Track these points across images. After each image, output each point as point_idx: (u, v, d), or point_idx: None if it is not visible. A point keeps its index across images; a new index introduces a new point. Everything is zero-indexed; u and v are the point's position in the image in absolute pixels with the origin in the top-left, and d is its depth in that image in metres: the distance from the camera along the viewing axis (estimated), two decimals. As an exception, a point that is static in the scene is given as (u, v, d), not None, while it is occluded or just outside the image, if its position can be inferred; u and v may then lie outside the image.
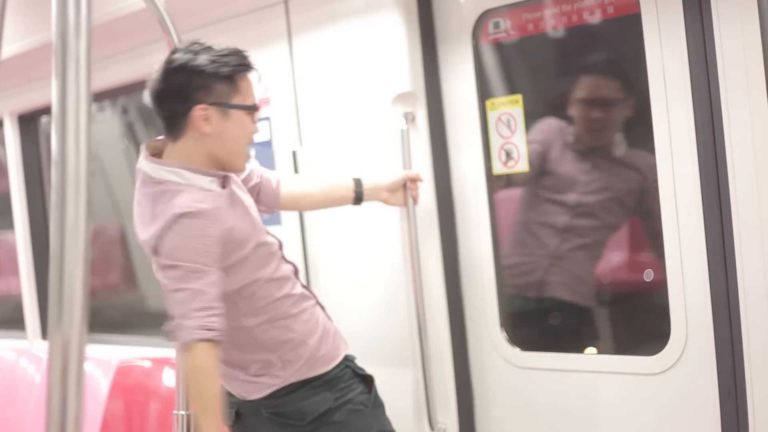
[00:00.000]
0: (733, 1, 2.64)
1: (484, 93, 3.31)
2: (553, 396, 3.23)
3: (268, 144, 3.67)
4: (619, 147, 3.39)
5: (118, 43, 4.15)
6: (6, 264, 5.84)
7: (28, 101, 5.04)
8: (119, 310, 6.10)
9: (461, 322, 3.40)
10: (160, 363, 4.01)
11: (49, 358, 1.23)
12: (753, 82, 2.63)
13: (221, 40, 3.41)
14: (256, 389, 2.77)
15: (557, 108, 3.36)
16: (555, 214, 3.40)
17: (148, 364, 4.09)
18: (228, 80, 2.61)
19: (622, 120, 3.32)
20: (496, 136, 3.30)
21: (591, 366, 3.15)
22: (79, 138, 1.21)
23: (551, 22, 3.20)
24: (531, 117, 3.27)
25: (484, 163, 3.31)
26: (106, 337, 4.91)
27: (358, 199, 3.18)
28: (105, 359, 4.18)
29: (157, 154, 2.71)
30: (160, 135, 2.72)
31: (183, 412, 2.93)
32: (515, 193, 3.47)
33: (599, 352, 3.25)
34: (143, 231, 2.64)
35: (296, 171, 3.58)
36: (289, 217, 3.60)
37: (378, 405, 2.90)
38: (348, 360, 2.89)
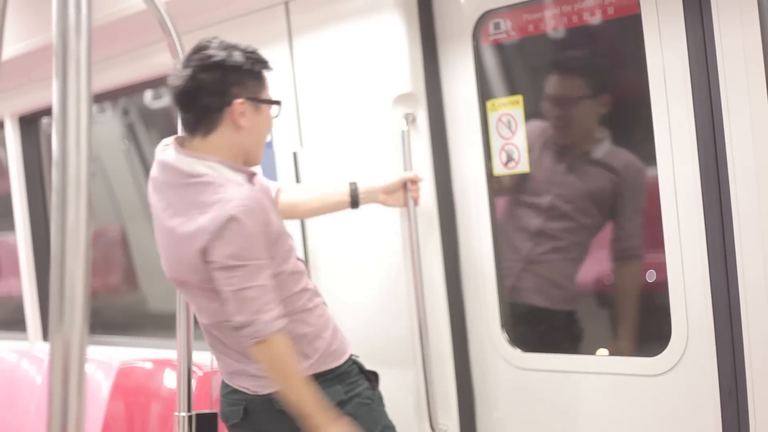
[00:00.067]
0: (733, 1, 2.64)
1: (484, 94, 3.31)
2: (554, 397, 3.23)
3: (268, 145, 3.66)
4: (597, 147, 3.38)
5: (118, 44, 4.15)
6: (7, 265, 5.85)
7: (29, 102, 5.04)
8: (120, 312, 6.10)
9: (462, 323, 3.40)
10: (161, 364, 4.01)
11: (51, 360, 1.23)
12: (753, 82, 2.63)
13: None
14: (268, 384, 2.77)
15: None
16: (536, 217, 3.42)
17: (149, 365, 4.09)
18: (258, 76, 2.73)
19: (594, 119, 3.33)
20: (496, 137, 3.30)
21: (592, 367, 3.15)
22: (79, 139, 1.21)
23: (551, 23, 3.20)
24: (531, 118, 3.27)
25: (484, 163, 3.31)
26: (107, 338, 4.91)
27: (354, 203, 3.19)
28: (106, 361, 4.19)
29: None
30: (163, 133, 2.75)
31: (184, 414, 2.94)
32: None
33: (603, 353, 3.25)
34: (174, 220, 2.67)
35: (297, 172, 3.58)
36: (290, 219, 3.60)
37: (381, 401, 2.94)
38: (354, 356, 2.92)
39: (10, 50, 4.16)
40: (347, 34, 3.38)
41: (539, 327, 3.48)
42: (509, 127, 3.27)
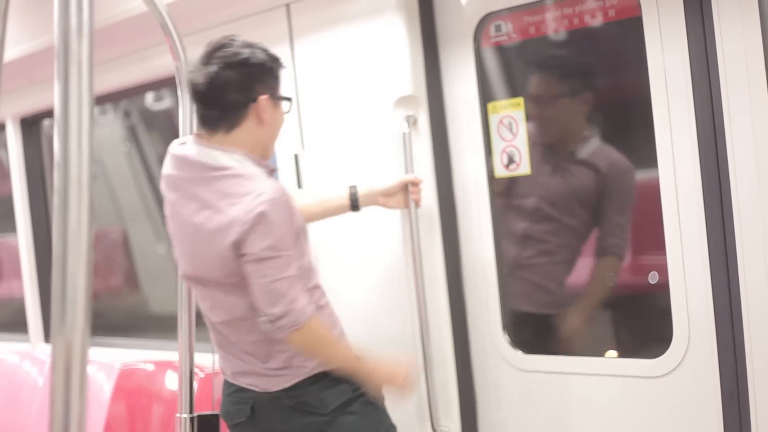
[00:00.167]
0: (733, 3, 2.64)
1: (485, 96, 3.31)
2: (555, 399, 3.23)
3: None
4: (583, 147, 3.38)
5: (120, 47, 4.15)
6: (9, 267, 5.85)
7: (31, 104, 5.05)
8: (122, 314, 6.10)
9: (464, 325, 3.40)
10: (162, 366, 4.01)
11: (52, 362, 1.23)
12: (754, 84, 2.63)
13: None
14: (278, 381, 2.79)
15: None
16: (521, 221, 3.43)
17: (150, 367, 4.09)
18: (277, 73, 2.81)
19: (580, 119, 3.33)
20: (497, 139, 3.30)
21: (594, 369, 3.15)
22: (81, 141, 1.21)
23: (553, 26, 3.20)
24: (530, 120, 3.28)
25: (485, 166, 3.31)
26: (109, 340, 4.91)
27: (354, 206, 3.20)
28: (108, 362, 4.19)
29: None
30: (164, 134, 2.77)
31: (186, 415, 2.94)
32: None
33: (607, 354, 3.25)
34: (200, 215, 2.69)
35: (298, 174, 3.58)
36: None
37: (383, 401, 2.95)
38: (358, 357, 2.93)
39: (12, 52, 4.17)
40: (348, 36, 3.39)
41: (539, 329, 3.48)
42: (510, 130, 3.27)
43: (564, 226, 3.38)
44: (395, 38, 3.27)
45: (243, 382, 2.86)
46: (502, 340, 3.32)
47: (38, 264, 5.38)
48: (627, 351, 3.26)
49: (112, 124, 6.05)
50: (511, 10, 3.21)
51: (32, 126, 5.36)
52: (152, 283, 6.13)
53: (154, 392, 3.97)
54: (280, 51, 3.49)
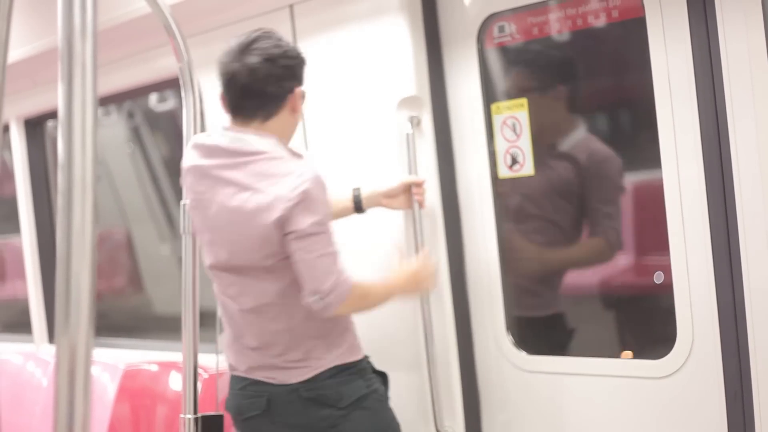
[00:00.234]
0: (737, 4, 2.64)
1: (489, 97, 3.31)
2: (559, 400, 3.23)
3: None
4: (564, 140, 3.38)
5: (124, 48, 4.15)
6: (13, 268, 5.85)
7: (35, 105, 5.05)
8: (126, 314, 6.10)
9: (467, 325, 3.40)
10: (166, 367, 4.01)
11: (56, 362, 1.23)
12: (758, 85, 2.63)
13: (226, 45, 3.42)
14: (297, 373, 2.83)
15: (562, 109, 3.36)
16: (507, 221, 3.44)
17: (154, 367, 4.09)
18: (305, 66, 2.89)
19: (562, 114, 3.34)
20: (501, 140, 3.30)
21: (597, 369, 3.15)
22: (85, 142, 1.21)
23: (556, 26, 3.20)
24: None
25: (489, 166, 3.31)
26: (113, 341, 4.92)
27: (358, 208, 3.23)
28: (112, 363, 4.19)
29: None
30: (168, 135, 2.80)
31: (190, 416, 2.94)
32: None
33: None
34: (238, 197, 2.74)
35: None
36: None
37: (389, 401, 3.00)
38: (367, 356, 2.99)
39: (16, 53, 4.17)
40: (352, 37, 3.39)
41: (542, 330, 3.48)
42: (514, 130, 3.27)
43: (549, 222, 3.39)
44: (399, 39, 3.27)
45: (259, 375, 2.88)
46: (505, 340, 3.32)
47: (42, 265, 5.39)
48: (631, 351, 3.26)
49: (116, 125, 6.05)
50: (515, 11, 3.22)
51: (36, 127, 5.37)
52: (156, 283, 6.12)
53: (158, 393, 3.98)
54: (284, 52, 3.49)
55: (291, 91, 2.83)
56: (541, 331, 3.45)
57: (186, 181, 2.90)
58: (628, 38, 3.10)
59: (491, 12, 3.24)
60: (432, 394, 3.25)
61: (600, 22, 3.08)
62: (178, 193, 3.01)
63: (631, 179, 3.29)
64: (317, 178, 2.71)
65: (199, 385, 3.12)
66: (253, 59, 2.74)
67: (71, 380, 1.21)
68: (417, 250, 3.22)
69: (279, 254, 2.72)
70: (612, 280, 3.39)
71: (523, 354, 3.30)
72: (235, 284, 2.86)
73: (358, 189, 3.21)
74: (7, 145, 5.43)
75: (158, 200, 5.92)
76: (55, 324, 1.24)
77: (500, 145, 3.31)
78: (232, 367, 2.99)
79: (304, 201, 2.65)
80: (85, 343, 1.22)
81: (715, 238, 2.77)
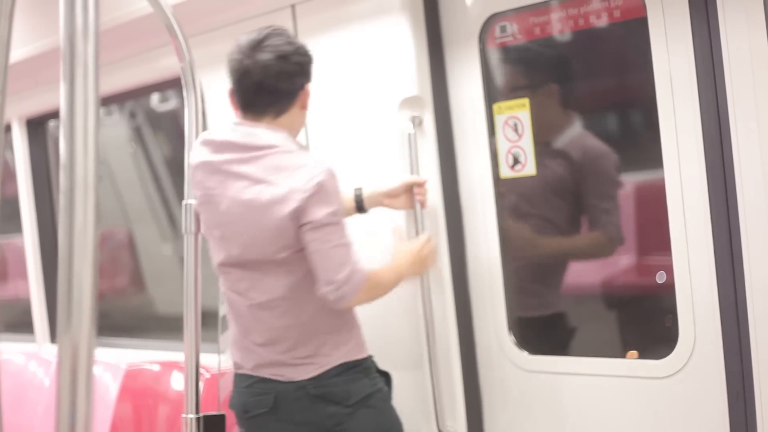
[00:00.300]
0: (739, 4, 2.64)
1: (491, 97, 3.31)
2: (562, 400, 3.23)
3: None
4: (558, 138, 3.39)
5: (126, 48, 4.16)
6: (15, 267, 5.86)
7: (36, 105, 5.05)
8: (127, 314, 6.10)
9: (469, 325, 3.40)
10: (168, 366, 4.02)
11: (58, 362, 1.23)
12: (760, 85, 2.62)
13: (228, 45, 3.41)
14: (305, 370, 2.86)
15: (564, 110, 3.36)
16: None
17: (156, 367, 4.10)
18: (312, 63, 2.93)
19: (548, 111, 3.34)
20: (503, 140, 3.30)
21: (599, 369, 3.15)
22: (87, 142, 1.21)
23: (558, 26, 3.20)
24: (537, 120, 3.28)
25: (491, 166, 3.31)
26: (115, 340, 4.92)
27: (359, 208, 3.24)
28: (114, 363, 4.19)
29: None
30: (170, 135, 2.80)
31: (192, 416, 2.93)
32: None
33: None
34: (251, 190, 2.77)
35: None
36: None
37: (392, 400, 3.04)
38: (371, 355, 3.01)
39: (18, 53, 4.17)
40: (354, 37, 3.39)
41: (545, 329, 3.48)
42: (516, 130, 3.27)
43: (547, 221, 3.40)
44: (400, 39, 3.27)
45: (267, 373, 2.90)
46: (507, 340, 3.32)
47: (44, 264, 5.39)
48: (636, 351, 3.26)
49: (118, 125, 6.05)
50: (517, 11, 3.21)
51: (38, 127, 5.37)
52: (157, 283, 6.13)
53: (160, 392, 3.98)
54: (286, 52, 3.49)
55: (302, 87, 2.89)
56: (543, 331, 3.44)
57: (194, 178, 2.91)
58: (630, 38, 3.10)
59: (493, 12, 3.24)
60: (434, 393, 3.25)
61: (602, 22, 3.07)
62: (180, 193, 3.02)
63: (633, 179, 3.30)
64: (331, 170, 2.74)
65: (201, 384, 3.12)
66: (266, 56, 2.78)
67: (73, 380, 1.21)
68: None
69: (293, 247, 2.76)
70: (614, 280, 3.39)
71: (525, 354, 3.30)
72: (245, 279, 2.88)
73: (359, 189, 3.21)
74: (9, 145, 5.43)
75: (160, 200, 5.93)
76: (57, 324, 1.24)
77: (502, 145, 3.31)
78: (237, 365, 3.00)
79: (319, 192, 2.69)
80: (87, 343, 1.21)
81: (717, 238, 2.77)
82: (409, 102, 3.27)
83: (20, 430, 4.41)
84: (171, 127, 5.86)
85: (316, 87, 3.50)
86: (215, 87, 3.86)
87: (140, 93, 4.99)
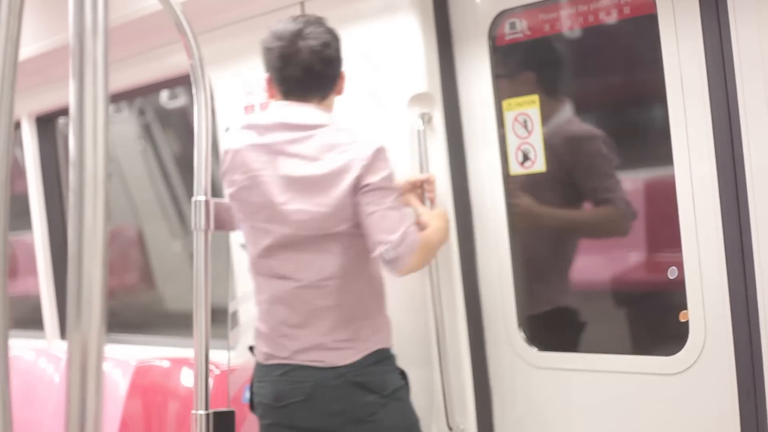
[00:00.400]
0: (749, 1, 2.63)
1: (500, 93, 3.31)
2: (571, 396, 3.23)
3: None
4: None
5: (135, 45, 4.16)
6: (24, 264, 5.87)
7: (46, 102, 5.06)
8: (137, 311, 6.12)
9: (479, 322, 3.40)
10: (178, 363, 4.02)
11: (68, 358, 1.23)
12: (770, 81, 2.62)
13: (238, 42, 3.42)
14: (345, 355, 2.89)
15: (573, 107, 3.35)
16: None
17: (166, 364, 4.10)
18: None
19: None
20: (512, 137, 3.30)
21: (609, 366, 3.15)
22: (96, 139, 1.21)
23: (567, 23, 3.19)
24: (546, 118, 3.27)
25: (500, 163, 3.31)
26: (125, 337, 4.93)
27: None
28: (123, 359, 4.20)
29: None
30: (179, 132, 2.81)
31: (201, 412, 2.94)
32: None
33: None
34: (308, 167, 2.84)
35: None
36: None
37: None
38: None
39: (27, 51, 4.18)
40: (363, 33, 3.39)
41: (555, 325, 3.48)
42: (525, 127, 3.27)
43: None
44: (410, 36, 3.27)
45: (305, 359, 2.90)
46: (517, 337, 3.32)
47: (54, 261, 5.40)
48: (643, 348, 3.25)
49: (127, 123, 6.07)
50: (526, 8, 3.21)
51: (47, 124, 5.39)
52: (167, 280, 6.14)
53: (170, 389, 3.98)
54: (295, 49, 3.49)
55: (340, 73, 3.00)
56: (553, 327, 3.44)
57: (235, 162, 2.93)
58: (640, 35, 3.10)
59: (502, 9, 3.24)
60: (443, 390, 3.25)
61: (611, 18, 3.07)
62: (190, 190, 3.02)
63: (643, 176, 3.29)
64: (382, 143, 2.86)
65: (211, 381, 3.12)
66: (313, 42, 2.87)
67: (83, 376, 1.21)
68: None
69: (352, 219, 2.83)
70: (624, 276, 3.39)
71: (535, 350, 3.30)
72: (293, 260, 2.90)
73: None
74: (19, 142, 5.45)
75: (169, 197, 5.94)
76: (66, 320, 1.25)
77: (511, 142, 3.30)
78: (268, 356, 2.98)
79: (377, 159, 2.81)
80: (96, 339, 1.22)
81: (727, 234, 2.76)
82: (419, 99, 3.27)
83: (30, 427, 4.43)
84: (180, 124, 5.87)
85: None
86: (224, 84, 3.87)
87: (149, 90, 5.00)
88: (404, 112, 3.29)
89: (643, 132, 3.26)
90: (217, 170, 3.07)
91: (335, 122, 2.94)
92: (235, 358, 3.72)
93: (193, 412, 2.96)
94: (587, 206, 3.42)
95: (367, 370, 2.89)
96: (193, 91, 2.98)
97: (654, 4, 2.86)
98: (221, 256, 3.70)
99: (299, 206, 2.84)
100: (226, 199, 3.01)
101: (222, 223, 3.01)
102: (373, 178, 2.79)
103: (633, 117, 3.35)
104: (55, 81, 4.72)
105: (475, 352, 3.36)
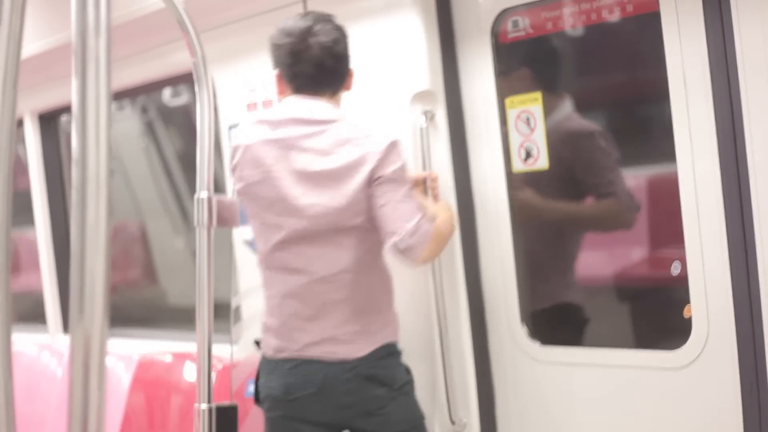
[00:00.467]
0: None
1: (503, 91, 3.31)
2: (574, 390, 3.23)
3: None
4: None
5: (137, 43, 4.17)
6: (27, 260, 5.89)
7: (49, 100, 5.07)
8: (140, 306, 6.13)
9: (482, 317, 3.40)
10: (180, 357, 4.03)
11: (71, 353, 1.23)
12: (773, 79, 2.62)
13: (240, 40, 3.43)
14: (356, 348, 2.92)
15: (576, 105, 3.36)
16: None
17: (168, 358, 4.11)
18: None
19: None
20: (515, 134, 3.30)
21: (612, 360, 3.15)
22: (99, 136, 1.22)
23: (570, 21, 3.20)
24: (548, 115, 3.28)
25: (503, 160, 3.31)
26: (127, 331, 4.94)
27: None
28: (126, 354, 4.21)
29: None
30: (182, 130, 2.82)
31: (204, 406, 2.95)
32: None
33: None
34: (322, 161, 2.87)
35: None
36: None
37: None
38: None
39: (30, 48, 4.19)
40: (365, 31, 3.39)
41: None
42: (528, 124, 3.27)
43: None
44: (412, 33, 3.28)
45: (318, 352, 2.92)
46: (520, 331, 3.32)
47: (57, 256, 5.41)
48: (645, 343, 3.26)
49: (130, 120, 6.07)
50: (528, 6, 3.21)
51: (50, 122, 5.39)
52: (170, 276, 6.15)
53: (173, 383, 3.99)
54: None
55: (349, 70, 3.02)
56: (556, 322, 3.45)
57: (246, 158, 2.95)
58: (642, 33, 3.10)
59: (505, 7, 3.24)
60: (446, 385, 3.26)
61: (614, 16, 3.07)
62: (192, 187, 3.03)
63: (646, 173, 3.30)
64: (396, 136, 2.91)
65: (214, 375, 3.13)
66: (323, 39, 2.90)
67: (86, 371, 1.22)
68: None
69: (365, 212, 2.87)
70: (627, 272, 3.40)
71: (537, 345, 3.31)
72: (307, 254, 2.92)
73: None
74: (22, 140, 5.46)
75: (172, 194, 5.95)
76: (69, 315, 1.25)
77: (514, 139, 3.31)
78: (278, 349, 2.99)
79: (391, 152, 2.85)
80: (99, 334, 1.22)
81: (730, 230, 2.77)
82: (422, 96, 3.28)
83: (33, 421, 4.44)
84: (183, 122, 5.88)
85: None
86: (227, 82, 3.87)
87: (152, 88, 5.00)
88: (407, 109, 3.30)
89: (646, 129, 3.27)
90: (220, 167, 3.08)
91: (347, 117, 2.96)
92: (238, 352, 3.73)
93: (196, 406, 2.97)
94: (590, 201, 3.42)
95: (378, 364, 2.92)
96: (196, 88, 2.99)
97: (657, 2, 2.86)
98: (224, 253, 3.71)
99: (313, 200, 2.86)
100: (232, 195, 3.03)
101: (225, 220, 3.02)
102: (386, 170, 2.82)
103: (636, 114, 3.35)
104: (58, 79, 4.72)
105: (477, 347, 3.37)
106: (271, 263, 3.00)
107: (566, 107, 3.33)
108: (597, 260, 3.47)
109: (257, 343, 3.11)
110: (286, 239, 2.93)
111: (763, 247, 2.69)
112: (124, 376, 4.09)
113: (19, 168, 5.56)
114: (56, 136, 5.43)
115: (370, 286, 2.96)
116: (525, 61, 3.40)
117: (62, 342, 5.21)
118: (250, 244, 3.78)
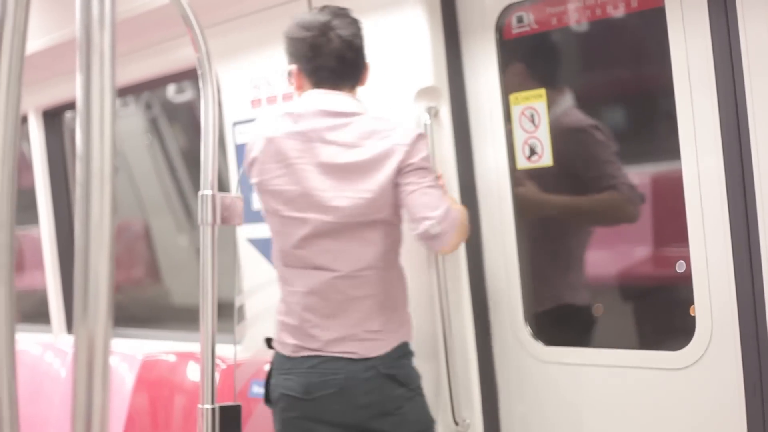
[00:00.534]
0: (758, -6, 2.62)
1: (507, 87, 3.30)
2: (577, 390, 3.22)
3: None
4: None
5: (142, 39, 4.16)
6: (31, 258, 5.89)
7: (53, 96, 5.07)
8: (144, 305, 6.12)
9: (485, 316, 3.40)
10: (184, 357, 4.03)
11: (75, 353, 1.23)
12: (778, 75, 2.61)
13: (245, 36, 3.42)
14: (377, 346, 2.92)
15: (581, 101, 3.35)
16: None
17: (172, 358, 4.11)
18: None
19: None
20: (519, 131, 3.29)
21: (615, 361, 3.14)
22: (103, 133, 1.21)
23: (575, 16, 3.19)
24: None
25: (507, 157, 3.30)
26: (131, 331, 4.93)
27: None
28: (130, 353, 4.21)
29: None
30: (186, 126, 2.81)
31: (208, 406, 2.94)
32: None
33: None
34: (348, 154, 2.88)
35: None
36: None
37: None
38: None
39: (34, 44, 4.19)
40: (370, 27, 3.37)
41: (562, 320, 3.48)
42: (532, 121, 3.26)
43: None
44: (417, 29, 3.27)
45: (338, 350, 2.91)
46: (524, 331, 3.32)
47: (60, 255, 5.41)
48: (649, 343, 3.25)
49: (134, 117, 6.07)
50: (533, 1, 3.21)
51: (54, 118, 5.39)
52: (174, 274, 6.14)
53: (176, 383, 3.99)
54: (302, 42, 3.48)
55: (365, 64, 3.04)
56: (560, 321, 3.44)
57: (269, 151, 2.93)
58: (647, 28, 3.09)
59: (509, 2, 3.23)
60: (450, 385, 3.25)
61: (619, 12, 3.06)
62: (196, 184, 3.02)
63: (650, 170, 3.29)
64: (421, 129, 3.02)
65: (217, 375, 3.13)
66: (343, 32, 2.92)
67: (90, 370, 1.21)
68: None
69: (392, 205, 2.90)
70: (631, 271, 3.39)
71: (541, 345, 3.30)
72: (331, 250, 2.91)
73: None
74: (26, 136, 5.46)
75: (176, 191, 5.94)
76: (73, 314, 1.24)
77: (518, 136, 3.30)
78: (296, 348, 2.97)
79: (418, 142, 2.88)
80: (103, 334, 1.22)
81: (734, 228, 2.76)
82: (426, 92, 3.27)
83: (36, 421, 4.44)
84: (187, 118, 5.87)
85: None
86: (231, 78, 3.86)
87: (156, 84, 5.00)
88: (411, 105, 3.29)
89: (650, 126, 3.25)
90: (224, 165, 3.07)
91: (369, 111, 2.97)
92: (242, 352, 3.73)
93: (200, 406, 2.97)
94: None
95: (396, 363, 2.92)
96: (200, 85, 2.98)
97: (662, -3, 2.86)
98: (228, 251, 3.70)
99: (340, 193, 2.86)
100: (236, 192, 3.02)
101: (228, 218, 3.01)
102: (415, 158, 2.85)
103: (640, 111, 3.34)
104: (62, 75, 4.72)
105: (481, 347, 3.36)
106: (291, 260, 2.98)
107: (565, 102, 3.31)
108: (600, 260, 3.46)
109: (268, 341, 3.09)
110: (311, 234, 2.91)
111: (767, 244, 2.67)
112: (128, 375, 4.09)
113: (23, 165, 5.56)
114: (60, 133, 5.43)
115: (390, 283, 2.97)
116: (530, 57, 3.38)
117: (66, 341, 5.21)
118: (254, 242, 3.77)
